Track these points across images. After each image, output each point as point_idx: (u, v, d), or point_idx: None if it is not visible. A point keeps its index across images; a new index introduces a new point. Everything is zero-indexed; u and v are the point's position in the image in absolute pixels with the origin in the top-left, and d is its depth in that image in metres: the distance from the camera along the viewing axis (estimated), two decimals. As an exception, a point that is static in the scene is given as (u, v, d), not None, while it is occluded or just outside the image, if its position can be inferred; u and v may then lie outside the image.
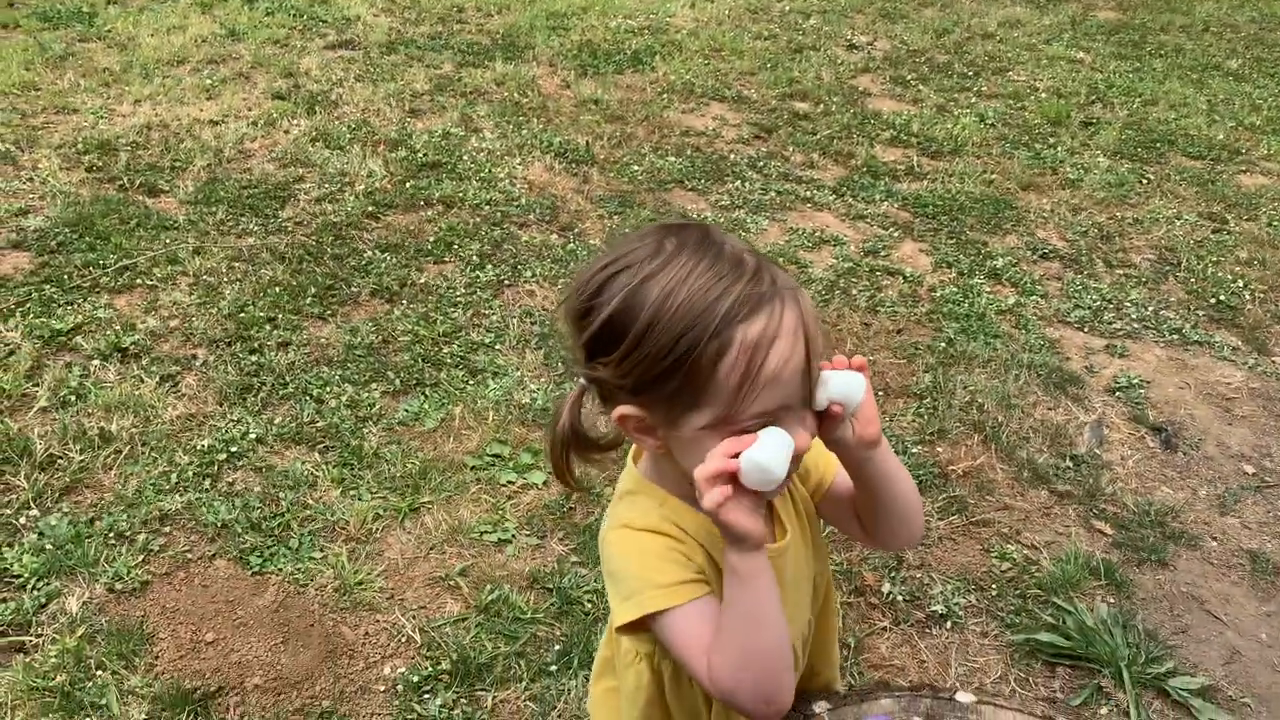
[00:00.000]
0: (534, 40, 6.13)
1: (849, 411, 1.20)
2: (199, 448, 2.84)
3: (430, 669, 2.29)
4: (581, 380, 1.18)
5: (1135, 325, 3.92)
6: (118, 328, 3.28)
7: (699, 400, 1.08)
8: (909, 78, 6.03)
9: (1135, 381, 3.58)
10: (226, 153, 4.45)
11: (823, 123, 5.37)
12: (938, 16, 7.00)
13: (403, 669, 2.29)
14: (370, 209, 4.16)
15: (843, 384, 1.16)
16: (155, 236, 3.77)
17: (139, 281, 3.54)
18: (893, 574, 2.71)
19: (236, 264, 3.69)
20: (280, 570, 2.52)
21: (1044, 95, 5.91)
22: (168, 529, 2.61)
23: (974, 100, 5.78)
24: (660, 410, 1.12)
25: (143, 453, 2.82)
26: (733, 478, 1.06)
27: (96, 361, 3.14)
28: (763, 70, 5.94)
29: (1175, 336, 3.87)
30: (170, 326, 3.34)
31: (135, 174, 4.18)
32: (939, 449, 3.19)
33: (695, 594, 1.15)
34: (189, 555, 2.54)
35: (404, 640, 2.38)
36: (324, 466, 2.84)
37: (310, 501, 2.72)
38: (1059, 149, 5.28)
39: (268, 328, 3.36)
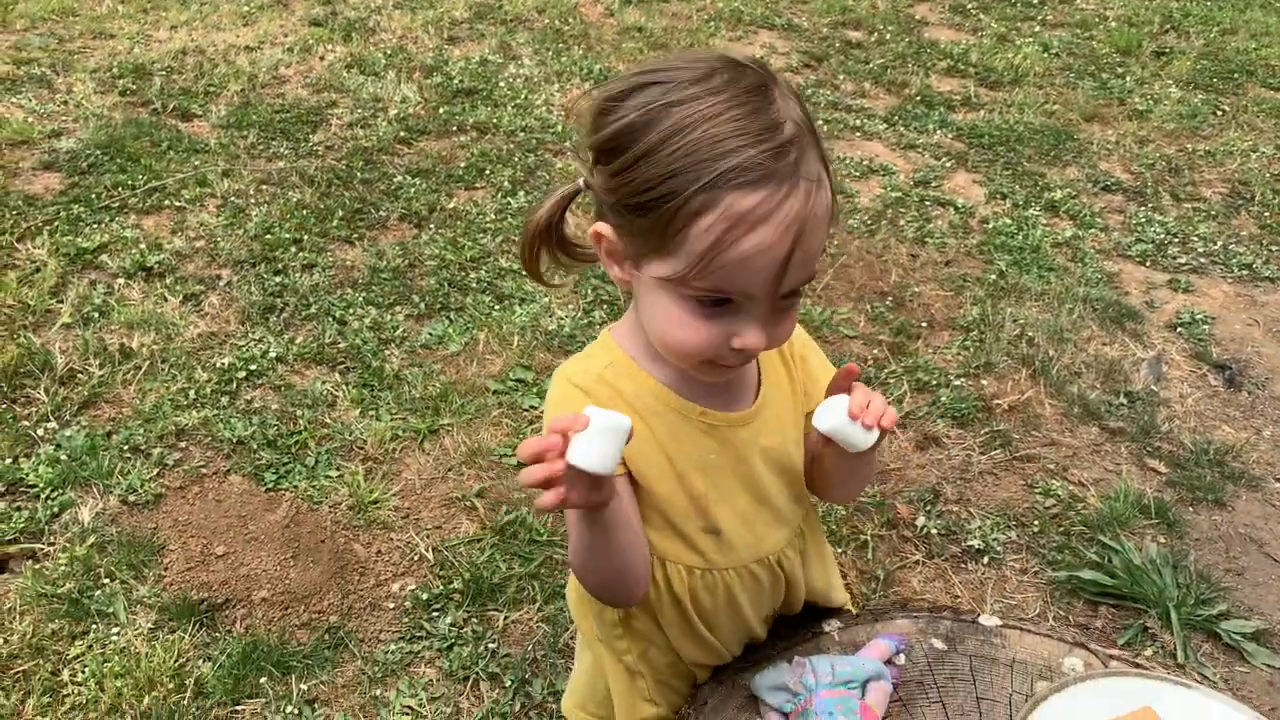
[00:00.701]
0: (579, -31, 5.96)
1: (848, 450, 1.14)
2: (219, 365, 2.80)
3: (442, 588, 2.23)
4: (580, 180, 1.09)
5: (1202, 260, 3.70)
6: (143, 247, 3.24)
7: (665, 248, 1.00)
8: (969, 6, 5.75)
9: (1199, 317, 3.38)
10: (261, 78, 4.38)
11: (876, 51, 5.14)
12: (1003, -55, 6.68)
13: (413, 586, 2.23)
14: (402, 134, 4.07)
15: (848, 436, 1.10)
16: (185, 159, 3.72)
17: (167, 203, 3.49)
18: (928, 508, 2.59)
19: (265, 187, 3.62)
20: (295, 487, 2.46)
21: (1114, 24, 5.60)
22: (184, 444, 2.57)
23: (1038, 29, 5.50)
24: (630, 242, 1.04)
25: (162, 369, 2.78)
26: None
27: (121, 280, 3.10)
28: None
29: (1245, 272, 3.64)
30: (196, 247, 3.30)
31: (168, 98, 4.13)
32: (984, 382, 3.04)
33: None
34: (203, 470, 2.50)
35: (416, 559, 2.31)
36: (344, 387, 2.78)
37: (328, 421, 2.67)
38: (1128, 79, 4.99)
39: (293, 249, 3.29)
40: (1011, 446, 2.82)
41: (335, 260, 3.28)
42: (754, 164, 0.94)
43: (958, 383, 3.03)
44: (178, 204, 3.49)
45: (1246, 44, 5.45)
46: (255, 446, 2.56)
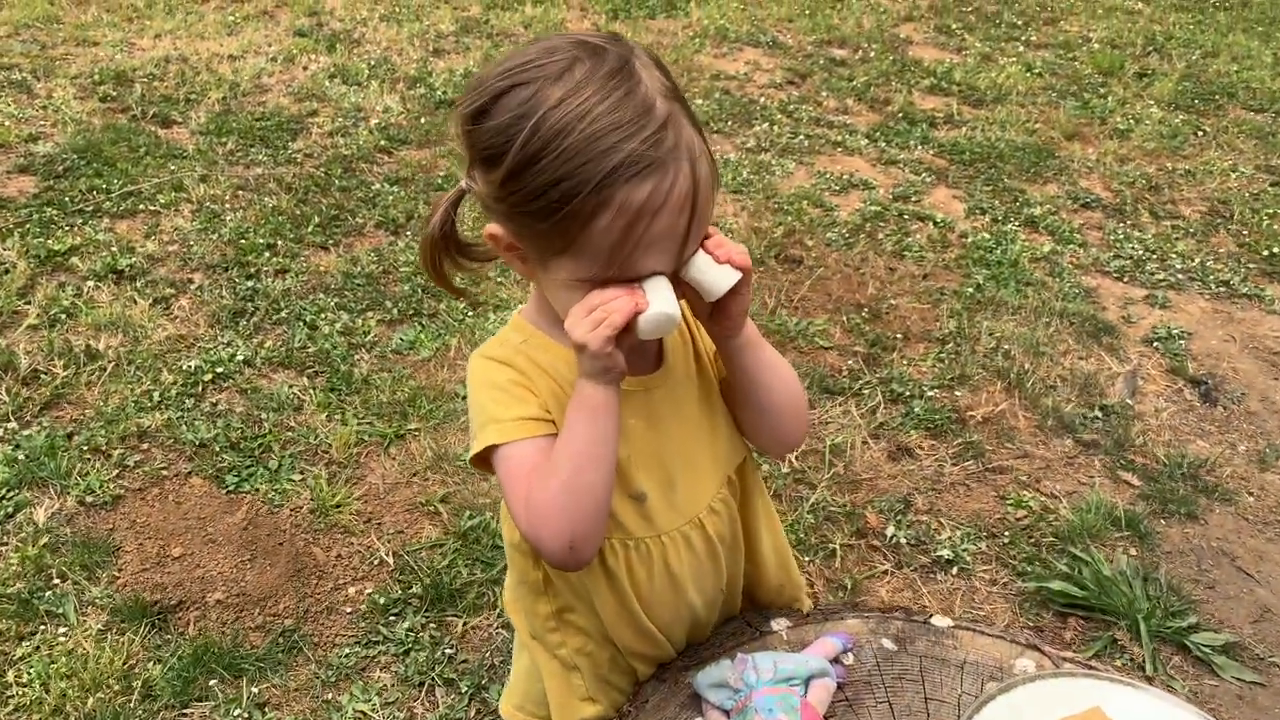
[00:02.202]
0: (566, -15, 5.99)
1: (708, 299, 1.12)
2: (185, 368, 2.77)
3: (400, 592, 2.20)
4: (463, 183, 1.07)
5: (1179, 276, 3.70)
6: (115, 250, 3.22)
7: (569, 250, 1.01)
8: (954, 26, 5.78)
9: (1176, 333, 3.37)
10: (243, 86, 4.37)
11: (860, 69, 5.16)
12: (989, -33, 6.74)
13: (371, 591, 2.20)
14: (383, 143, 4.06)
15: (707, 276, 1.09)
16: (162, 164, 3.70)
17: (142, 207, 3.47)
18: (899, 517, 2.56)
19: (242, 192, 3.61)
20: (256, 490, 2.43)
21: (1097, 46, 5.63)
22: (145, 445, 2.54)
23: (1022, 50, 5.53)
24: (532, 246, 1.05)
25: (128, 371, 2.75)
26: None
27: (91, 282, 3.08)
28: (801, 17, 5.73)
29: (1222, 289, 3.64)
30: (169, 251, 3.27)
31: (149, 104, 4.12)
32: (958, 394, 3.02)
33: (533, 432, 1.09)
34: (164, 472, 2.47)
35: (376, 563, 2.28)
36: (311, 390, 2.75)
37: (294, 424, 2.64)
38: (1109, 99, 5.02)
39: (267, 254, 3.27)
40: (984, 458, 2.79)
41: (309, 266, 3.26)
42: (638, 157, 0.95)
43: (932, 394, 3.01)
44: (152, 208, 3.47)
45: (1228, 66, 5.48)
46: (218, 449, 2.53)
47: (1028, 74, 5.23)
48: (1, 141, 3.77)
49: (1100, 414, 2.99)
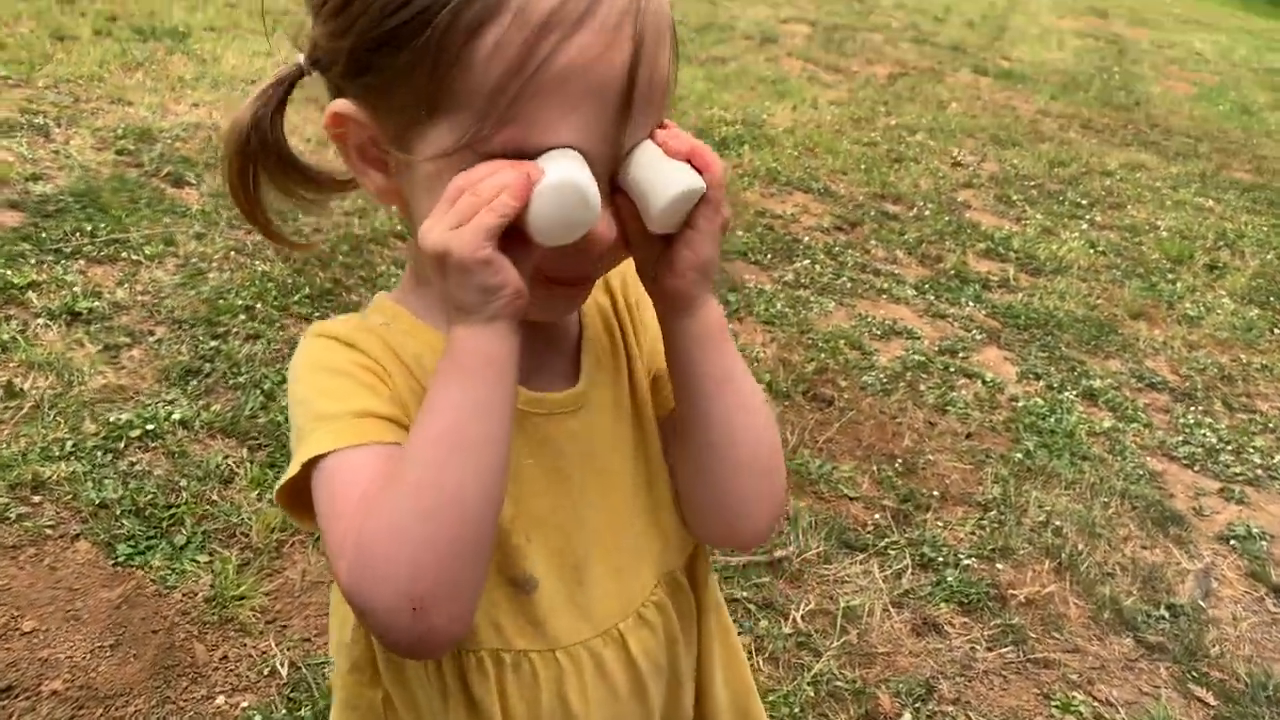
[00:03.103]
0: (622, 115, 5.89)
1: (652, 218, 0.72)
2: (112, 420, 2.42)
3: (286, 713, 1.75)
4: (300, 58, 0.74)
5: (1259, 473, 3.26)
6: (78, 292, 2.93)
7: (438, 100, 0.66)
8: (1015, 198, 5.56)
9: (1255, 532, 2.92)
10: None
11: (913, 225, 4.91)
12: (1054, 150, 6.55)
13: (249, 705, 1.76)
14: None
15: (651, 175, 0.70)
16: (158, 219, 3.47)
17: (124, 255, 3.21)
18: (918, 704, 2.09)
19: (235, 255, 3.34)
20: (148, 566, 2.03)
21: (1165, 234, 5.36)
22: (38, 498, 2.16)
23: (1085, 228, 5.27)
24: (387, 115, 0.70)
25: (46, 415, 2.40)
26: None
27: (42, 320, 2.78)
28: (856, 171, 5.54)
29: (1308, 492, 3.19)
30: (139, 301, 2.98)
31: (166, 162, 3.93)
32: (999, 567, 2.58)
33: (379, 435, 0.71)
34: (49, 531, 2.08)
35: (267, 673, 1.85)
36: (248, 464, 2.38)
37: (217, 498, 2.25)
38: (1178, 284, 4.69)
39: (242, 317, 2.96)
40: (1026, 646, 2.33)
41: (285, 335, 2.94)
42: None
43: (968, 563, 2.57)
44: (135, 258, 3.20)
45: (1305, 271, 5.16)
46: (119, 513, 2.14)
47: (1090, 250, 4.95)
48: (2, 177, 3.57)
49: (1167, 614, 2.53)
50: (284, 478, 0.73)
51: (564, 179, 0.65)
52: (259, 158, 0.77)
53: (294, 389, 0.76)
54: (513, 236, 0.66)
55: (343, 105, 0.72)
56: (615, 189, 0.71)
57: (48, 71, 4.70)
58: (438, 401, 0.68)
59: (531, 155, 0.66)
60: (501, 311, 0.67)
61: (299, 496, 0.73)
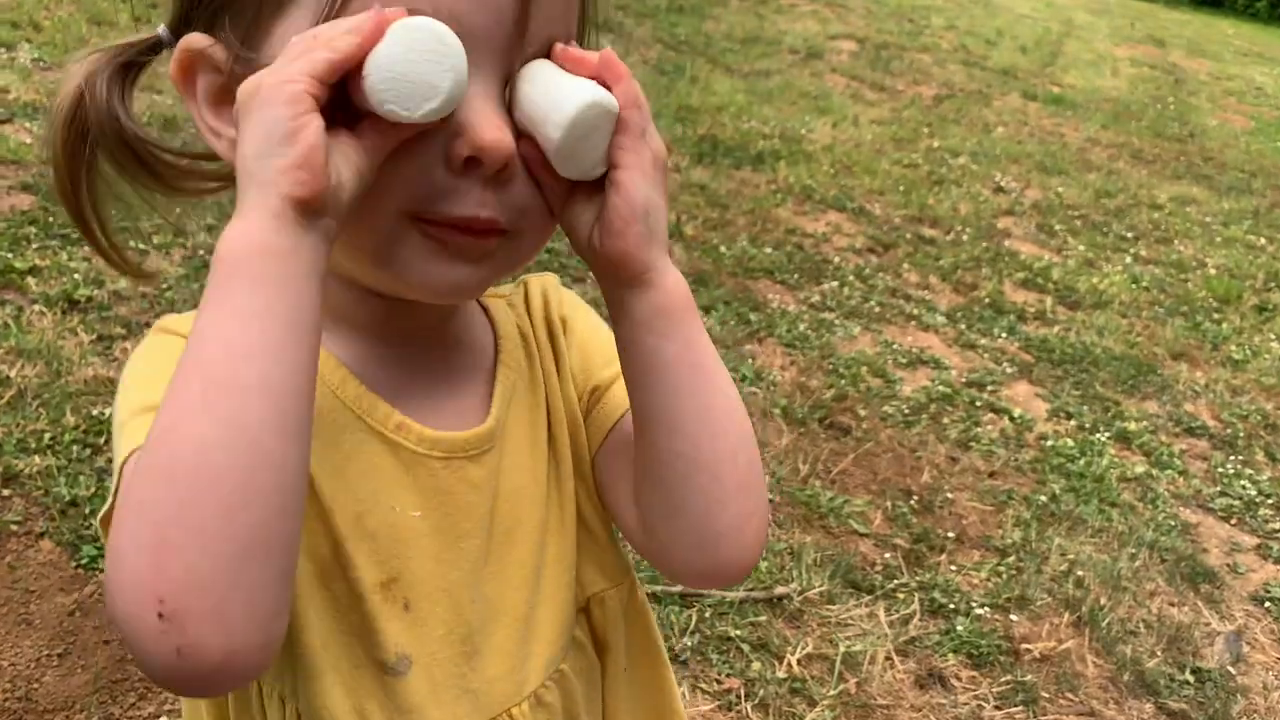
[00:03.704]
0: (656, 125, 5.77)
1: (552, 152, 0.59)
2: (94, 414, 2.34)
3: (234, 738, 1.65)
4: (160, 29, 0.64)
5: (1300, 530, 3.08)
6: (79, 279, 2.87)
7: None
8: (1057, 227, 5.38)
9: (1293, 595, 2.74)
10: (290, 153, 4.14)
11: (949, 250, 4.75)
12: (1101, 180, 6.36)
13: (196, 729, 1.66)
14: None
15: (549, 93, 0.58)
16: (171, 208, 3.40)
17: (132, 244, 3.15)
18: (916, 765, 1.95)
19: (244, 249, 3.28)
20: (112, 570, 1.94)
21: (1213, 271, 5.15)
22: (8, 492, 2.09)
23: (1129, 262, 5.08)
24: (237, 25, 0.59)
25: (30, 405, 2.33)
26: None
27: (38, 306, 2.72)
28: (894, 192, 5.40)
29: (1353, 553, 3.01)
30: (140, 291, 2.92)
31: (186, 151, 3.88)
32: (1014, 618, 2.43)
33: None
34: (14, 528, 2.00)
35: (221, 693, 1.75)
36: (230, 466, 2.29)
37: (193, 501, 2.17)
38: (1224, 326, 4.50)
39: (243, 313, 2.89)
40: (1037, 706, 2.18)
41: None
42: None
43: (981, 613, 2.42)
44: (142, 247, 3.15)
45: (1360, 317, 4.94)
46: (89, 511, 2.06)
47: (1133, 285, 4.76)
48: (18, 159, 3.54)
49: (1192, 678, 2.37)
50: (107, 504, 0.59)
51: (421, 22, 0.54)
52: (94, 134, 0.64)
53: (122, 391, 0.63)
54: (360, 120, 0.54)
55: (192, 38, 0.62)
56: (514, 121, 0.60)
57: (80, 57, 4.69)
58: (196, 323, 0.52)
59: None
60: (283, 176, 0.51)
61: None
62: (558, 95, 0.57)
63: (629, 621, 0.77)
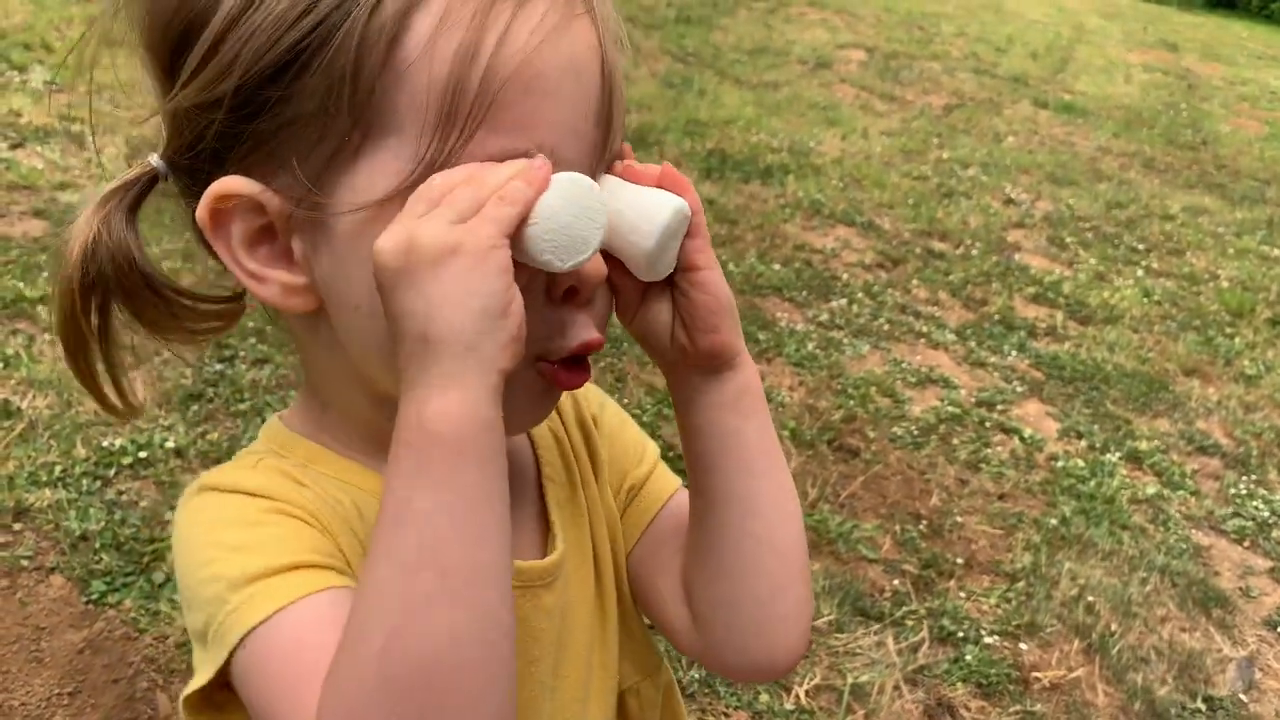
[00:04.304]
0: (665, 139, 5.79)
1: (639, 260, 0.61)
2: (105, 445, 2.36)
3: (241, 778, 1.66)
4: (152, 157, 0.64)
5: (1314, 552, 3.06)
6: (90, 306, 2.89)
7: (372, 119, 0.54)
8: (1068, 240, 5.36)
9: (1307, 620, 2.72)
10: (300, 174, 4.16)
11: (959, 264, 4.74)
12: (1113, 190, 6.33)
13: (203, 769, 1.67)
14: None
15: (635, 205, 0.60)
16: (181, 232, 3.42)
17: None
18: (924, 799, 1.94)
19: (254, 273, 3.29)
20: (120, 606, 1.96)
21: (1226, 284, 5.12)
22: (19, 526, 2.11)
23: (1140, 275, 5.05)
24: (301, 166, 0.56)
25: (40, 437, 2.35)
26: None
27: (48, 335, 2.74)
28: (903, 205, 5.39)
29: (1368, 576, 2.98)
30: (151, 318, 2.94)
31: (197, 175, 3.91)
32: (1024, 646, 2.42)
33: (320, 583, 0.55)
34: (25, 563, 2.02)
35: (228, 731, 1.76)
36: (239, 497, 2.30)
37: (202, 533, 2.18)
38: (1237, 340, 4.47)
39: (252, 339, 2.90)
40: (1047, 738, 2.17)
41: (294, 360, 2.87)
42: None
43: (990, 641, 2.41)
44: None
45: (1375, 329, 4.90)
46: (99, 545, 2.08)
47: (1145, 299, 4.74)
48: (31, 184, 3.57)
49: (1204, 706, 2.35)
50: (194, 683, 0.57)
51: (580, 177, 0.55)
52: (111, 278, 0.63)
53: (192, 560, 0.60)
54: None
55: (228, 183, 0.60)
56: None
57: (99, 77, 4.72)
58: (402, 510, 0.50)
59: (503, 158, 0.55)
60: (503, 352, 0.51)
61: (209, 700, 0.58)
62: (643, 207, 0.60)
63: (663, 709, 0.79)
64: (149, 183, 0.65)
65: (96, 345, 0.66)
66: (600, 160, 0.59)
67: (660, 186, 0.61)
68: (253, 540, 0.58)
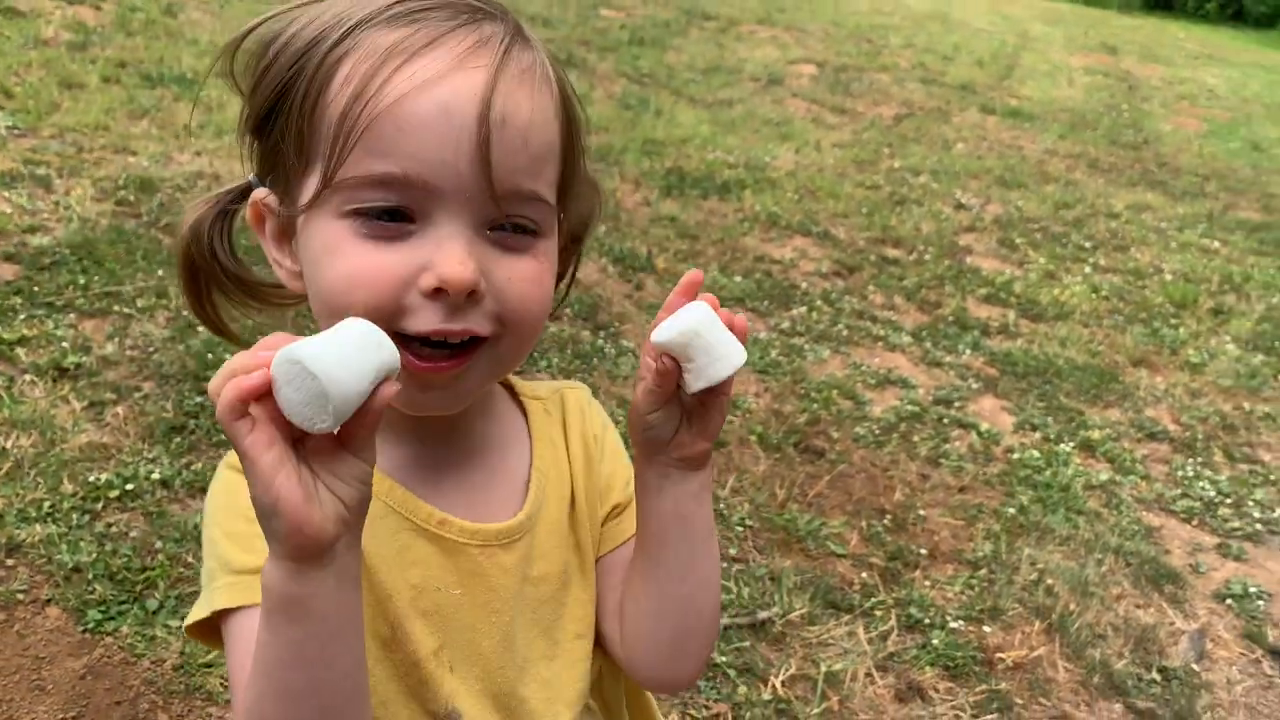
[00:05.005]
0: (624, 159, 5.91)
1: (699, 382, 0.75)
2: (91, 480, 2.42)
3: (245, 789, 1.73)
4: (250, 176, 0.80)
5: (1258, 528, 3.21)
6: (67, 347, 2.94)
7: (306, 144, 0.72)
8: (1018, 241, 5.54)
9: (1253, 591, 2.86)
10: (267, 208, 4.22)
11: (913, 270, 4.89)
12: (1059, 191, 6.53)
13: (208, 782, 1.74)
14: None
15: (702, 343, 0.73)
16: (153, 270, 3.49)
17: (116, 309, 3.23)
18: (897, 776, 2.05)
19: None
20: (117, 633, 2.02)
21: (1169, 277, 5.32)
22: (12, 561, 2.16)
23: (1088, 271, 5.23)
24: (281, 182, 0.76)
25: (27, 475, 2.41)
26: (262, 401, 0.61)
27: (29, 375, 2.79)
28: (857, 214, 5.54)
29: (1310, 547, 3.13)
30: (128, 355, 2.99)
31: (165, 213, 3.96)
32: (987, 629, 2.54)
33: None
34: (20, 596, 2.08)
35: (230, 746, 1.83)
36: (226, 524, 2.37)
37: (192, 560, 2.24)
38: (1181, 330, 4.65)
39: (230, 371, 2.97)
40: (1012, 713, 2.29)
41: (272, 389, 2.94)
42: (408, 8, 0.71)
43: (956, 626, 2.53)
44: (127, 311, 3.22)
45: (1313, 314, 5.11)
46: (92, 577, 2.14)
47: (1093, 295, 4.91)
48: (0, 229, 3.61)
49: (1159, 677, 2.48)
50: (191, 617, 0.76)
51: (292, 356, 0.60)
52: (207, 273, 0.81)
53: (206, 526, 0.78)
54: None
55: (257, 193, 0.77)
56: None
57: (54, 121, 4.76)
58: (258, 636, 0.65)
59: (386, 183, 0.68)
60: (282, 546, 0.61)
61: (208, 632, 0.76)
62: (727, 349, 0.73)
63: (630, 692, 0.92)
64: (241, 193, 0.80)
65: (206, 300, 0.84)
66: (489, 193, 0.70)
67: (731, 326, 0.75)
68: (243, 535, 0.74)
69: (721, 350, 0.73)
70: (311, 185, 0.71)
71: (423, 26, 0.70)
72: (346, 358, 0.60)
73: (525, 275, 0.73)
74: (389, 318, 0.69)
